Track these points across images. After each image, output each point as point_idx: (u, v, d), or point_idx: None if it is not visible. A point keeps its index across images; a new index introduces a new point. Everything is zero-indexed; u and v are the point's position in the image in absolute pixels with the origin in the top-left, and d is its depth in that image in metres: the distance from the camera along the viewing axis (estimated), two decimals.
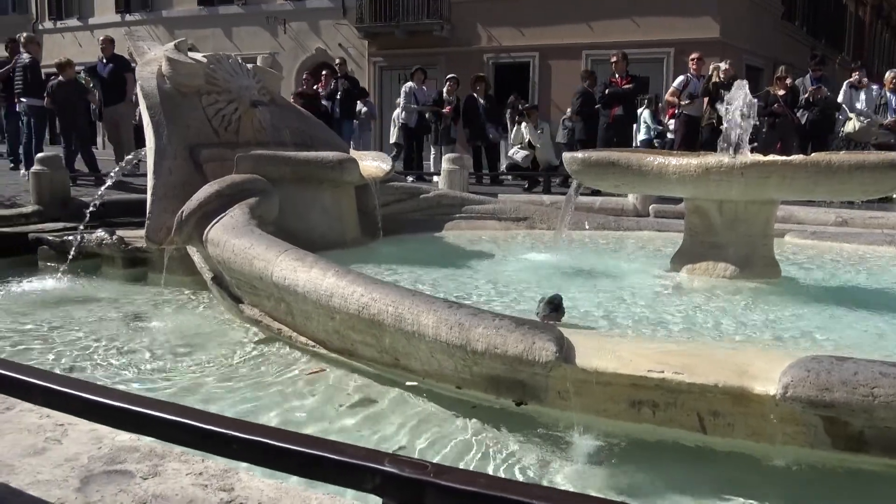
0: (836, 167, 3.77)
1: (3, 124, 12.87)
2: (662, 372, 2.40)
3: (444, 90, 12.57)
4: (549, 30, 18.44)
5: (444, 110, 12.29)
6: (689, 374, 2.38)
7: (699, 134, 10.55)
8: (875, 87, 10.57)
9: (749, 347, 2.99)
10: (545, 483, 2.41)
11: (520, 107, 12.90)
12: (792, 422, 2.29)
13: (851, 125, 10.30)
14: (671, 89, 11.26)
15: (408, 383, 3.12)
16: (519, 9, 18.61)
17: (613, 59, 10.92)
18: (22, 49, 10.91)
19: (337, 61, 14.71)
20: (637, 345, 2.74)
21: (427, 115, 12.55)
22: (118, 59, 11.17)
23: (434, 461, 2.12)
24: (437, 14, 19.67)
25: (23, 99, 10.52)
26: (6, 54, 12.08)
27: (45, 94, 10.74)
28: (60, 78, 10.74)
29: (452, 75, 13.05)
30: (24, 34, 11.64)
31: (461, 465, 2.53)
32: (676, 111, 11.00)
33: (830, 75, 13.31)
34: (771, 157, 4.12)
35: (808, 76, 10.71)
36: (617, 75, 10.74)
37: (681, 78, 11.23)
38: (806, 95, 10.30)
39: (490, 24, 19.33)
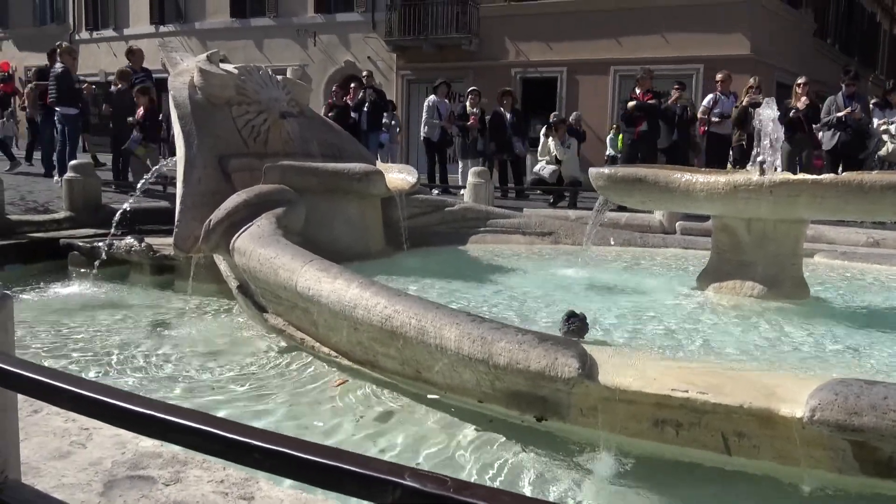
0: (867, 187, 3.72)
1: (39, 132, 13.20)
2: (687, 391, 2.37)
3: (467, 103, 12.62)
4: (578, 45, 18.42)
5: (468, 123, 12.33)
6: (714, 394, 2.34)
7: (728, 153, 10.50)
8: None
9: (776, 368, 2.94)
10: (565, 501, 2.39)
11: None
12: (819, 446, 2.25)
13: (885, 148, 10.14)
14: (701, 108, 11.22)
15: (430, 396, 3.11)
16: (547, 24, 18.64)
17: (640, 75, 10.96)
18: (57, 58, 11.17)
19: (364, 73, 14.84)
20: (661, 363, 2.71)
21: (449, 131, 12.60)
22: (146, 71, 11.59)
23: (453, 476, 2.11)
24: (465, 28, 19.77)
25: (56, 108, 10.75)
26: (48, 63, 12.34)
27: (80, 103, 11.03)
28: (119, 86, 11.04)
29: (473, 88, 13.13)
30: (64, 44, 11.91)
31: (481, 481, 2.52)
32: (705, 129, 10.96)
33: (863, 93, 13.10)
34: (801, 176, 4.07)
35: (840, 94, 10.57)
36: (638, 91, 10.74)
37: (710, 96, 11.19)
38: (840, 115, 10.11)
39: (518, 39, 19.37)
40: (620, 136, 13.59)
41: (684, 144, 11.35)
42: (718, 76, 11.22)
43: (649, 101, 10.68)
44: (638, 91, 10.79)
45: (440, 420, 2.99)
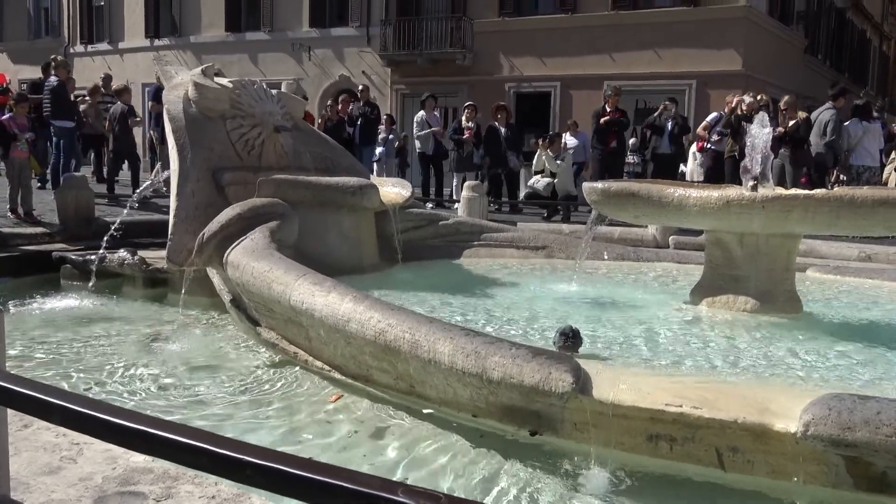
0: (859, 202, 3.74)
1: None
2: (681, 406, 2.36)
3: (463, 117, 12.69)
4: (571, 60, 18.53)
5: (463, 137, 12.39)
6: (708, 409, 2.34)
7: (723, 167, 10.60)
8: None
9: (769, 383, 2.94)
10: None
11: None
12: (813, 461, 2.25)
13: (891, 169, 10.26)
14: (704, 123, 11.43)
15: (425, 411, 3.10)
16: (541, 39, 18.75)
17: (609, 92, 11.37)
18: (52, 72, 11.15)
19: (360, 88, 14.90)
20: (655, 378, 2.71)
21: (441, 141, 12.67)
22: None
23: (446, 492, 2.11)
24: (459, 43, 19.87)
25: (52, 121, 10.72)
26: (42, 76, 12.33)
27: (80, 119, 11.13)
28: (119, 103, 11.21)
29: (470, 103, 13.21)
30: (59, 57, 11.93)
31: (473, 497, 2.51)
32: (705, 145, 11.13)
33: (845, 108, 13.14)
34: (793, 191, 4.09)
35: (825, 107, 10.61)
36: (608, 108, 11.02)
37: (714, 115, 11.40)
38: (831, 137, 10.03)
39: (512, 54, 19.48)
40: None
41: (676, 156, 11.70)
42: (728, 97, 11.38)
43: (618, 118, 11.06)
44: (608, 108, 11.06)
45: (434, 435, 2.98)
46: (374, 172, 12.56)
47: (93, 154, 13.61)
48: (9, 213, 7.08)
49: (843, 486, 2.24)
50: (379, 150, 13.70)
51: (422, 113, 12.95)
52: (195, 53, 22.86)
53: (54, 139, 10.84)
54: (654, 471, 2.53)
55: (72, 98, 11.42)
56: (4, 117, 7.73)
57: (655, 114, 11.73)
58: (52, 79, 10.88)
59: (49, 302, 5.52)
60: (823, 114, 10.28)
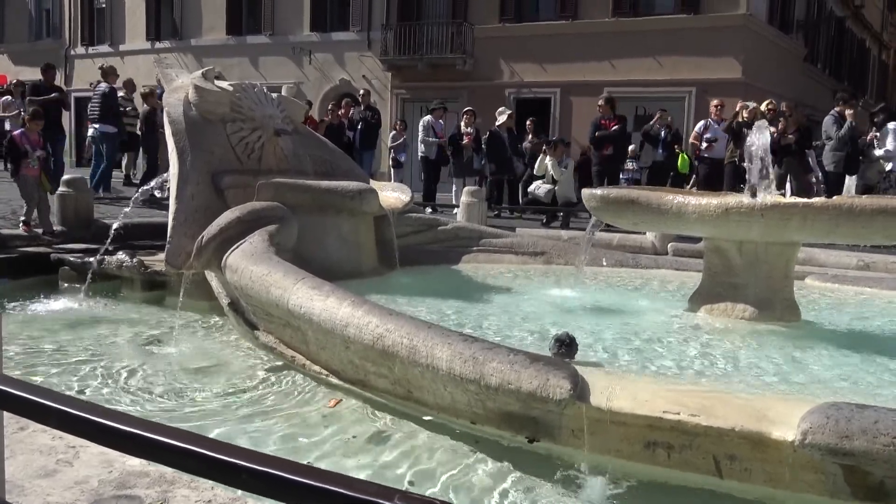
0: (857, 211, 3.74)
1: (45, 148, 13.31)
2: (679, 413, 2.36)
3: (462, 123, 12.69)
4: (572, 66, 18.56)
5: (462, 141, 12.38)
6: (705, 417, 2.34)
7: (722, 175, 10.65)
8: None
9: (767, 391, 2.94)
10: None
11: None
12: (810, 469, 2.25)
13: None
14: (693, 133, 11.57)
15: (425, 418, 3.09)
16: (541, 45, 18.78)
17: (600, 102, 11.48)
18: (102, 78, 11.63)
19: (361, 92, 14.89)
20: (653, 385, 2.71)
21: (445, 148, 12.69)
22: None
23: (443, 499, 2.11)
24: (460, 48, 19.89)
25: (95, 125, 10.94)
26: (41, 78, 12.41)
27: (119, 122, 11.38)
28: (146, 106, 11.42)
29: (469, 108, 13.23)
30: (107, 65, 12.24)
31: None
32: (702, 154, 11.25)
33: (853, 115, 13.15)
34: (791, 199, 4.10)
35: (830, 116, 10.64)
36: (604, 118, 11.12)
37: (701, 123, 11.48)
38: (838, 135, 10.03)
39: (512, 60, 19.50)
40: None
41: (669, 164, 12.04)
42: (714, 102, 11.47)
43: (613, 128, 11.17)
44: (604, 119, 11.23)
45: (432, 441, 2.97)
46: (397, 179, 12.69)
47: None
48: (21, 226, 7.06)
49: (840, 495, 2.23)
50: (401, 156, 13.77)
51: (428, 117, 12.92)
52: (196, 56, 22.87)
53: (93, 144, 11.15)
54: (651, 478, 2.52)
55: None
56: (16, 133, 7.66)
57: (651, 122, 12.03)
58: (103, 85, 11.38)
59: (47, 304, 5.51)
60: (826, 119, 10.35)
